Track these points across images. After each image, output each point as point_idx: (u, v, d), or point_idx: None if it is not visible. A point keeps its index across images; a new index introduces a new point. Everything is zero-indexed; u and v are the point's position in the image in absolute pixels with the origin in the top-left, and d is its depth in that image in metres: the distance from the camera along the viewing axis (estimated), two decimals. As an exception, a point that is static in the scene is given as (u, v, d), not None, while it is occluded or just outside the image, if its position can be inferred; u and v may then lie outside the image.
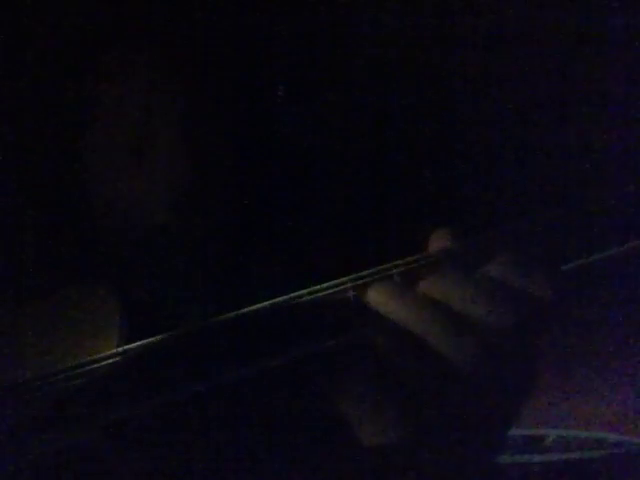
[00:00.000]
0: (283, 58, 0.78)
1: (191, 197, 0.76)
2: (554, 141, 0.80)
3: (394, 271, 0.67)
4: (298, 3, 0.78)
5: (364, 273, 0.67)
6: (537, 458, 0.96)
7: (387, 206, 0.72)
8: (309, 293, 0.67)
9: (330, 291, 0.67)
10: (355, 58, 0.77)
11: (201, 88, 0.78)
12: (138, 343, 0.69)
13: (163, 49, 0.78)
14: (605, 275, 0.73)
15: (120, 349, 0.69)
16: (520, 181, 0.72)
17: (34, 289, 0.74)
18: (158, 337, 0.69)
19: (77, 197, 0.76)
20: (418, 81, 0.76)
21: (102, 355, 0.69)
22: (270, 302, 0.68)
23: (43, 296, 0.74)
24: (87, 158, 0.77)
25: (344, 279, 0.67)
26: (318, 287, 0.67)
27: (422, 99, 0.76)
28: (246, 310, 0.68)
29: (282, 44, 0.78)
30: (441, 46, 0.80)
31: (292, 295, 0.68)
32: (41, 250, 0.74)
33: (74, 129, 0.77)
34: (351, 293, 0.67)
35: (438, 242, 0.67)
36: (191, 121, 0.77)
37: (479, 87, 0.78)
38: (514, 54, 0.80)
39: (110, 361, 0.69)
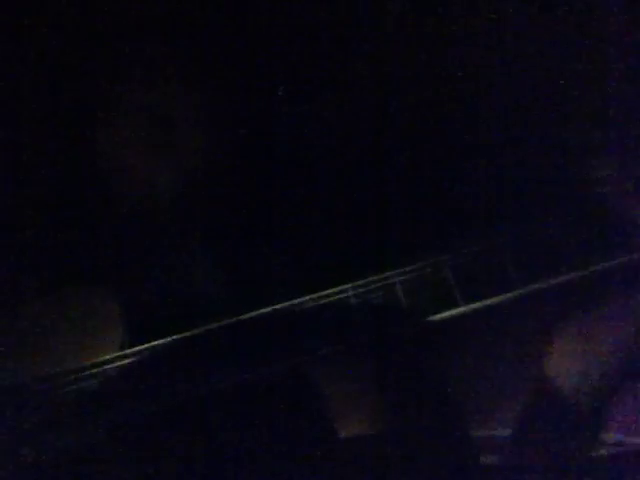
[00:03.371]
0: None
1: (193, 203, 0.76)
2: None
3: (396, 279, 0.67)
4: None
5: (366, 281, 0.68)
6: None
7: (390, 216, 0.72)
8: (311, 300, 0.68)
9: (332, 298, 0.67)
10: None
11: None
12: (140, 347, 0.70)
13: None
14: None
15: (123, 352, 0.70)
16: (521, 188, 0.72)
17: (38, 292, 0.75)
18: (160, 341, 0.69)
19: (79, 194, 0.76)
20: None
21: (106, 358, 0.69)
22: (272, 307, 0.68)
23: (48, 300, 0.74)
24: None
25: (346, 286, 0.68)
26: (320, 294, 0.68)
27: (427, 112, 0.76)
28: (250, 315, 0.69)
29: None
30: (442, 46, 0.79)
31: (294, 301, 0.68)
32: (43, 251, 0.74)
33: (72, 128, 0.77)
34: (353, 300, 0.67)
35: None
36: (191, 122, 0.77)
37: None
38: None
39: (115, 364, 0.69)
